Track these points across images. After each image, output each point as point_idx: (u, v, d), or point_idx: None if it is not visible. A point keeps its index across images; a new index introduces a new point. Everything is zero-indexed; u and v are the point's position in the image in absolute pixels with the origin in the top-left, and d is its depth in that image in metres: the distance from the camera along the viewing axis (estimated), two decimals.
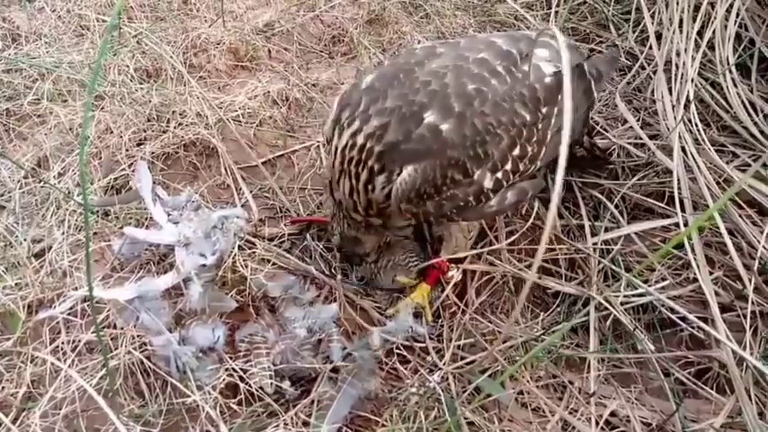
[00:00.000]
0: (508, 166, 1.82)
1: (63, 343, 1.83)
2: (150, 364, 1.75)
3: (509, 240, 2.16)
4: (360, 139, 1.73)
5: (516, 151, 1.82)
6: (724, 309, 1.98)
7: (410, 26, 3.19)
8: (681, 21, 2.76)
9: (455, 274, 2.09)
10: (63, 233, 2.04)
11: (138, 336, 1.78)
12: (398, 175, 1.72)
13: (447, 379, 1.82)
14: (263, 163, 2.43)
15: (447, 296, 2.06)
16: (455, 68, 1.80)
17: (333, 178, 1.85)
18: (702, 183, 2.20)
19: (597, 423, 1.79)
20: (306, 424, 1.71)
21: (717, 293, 2.01)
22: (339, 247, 2.11)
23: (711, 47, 2.71)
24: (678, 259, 2.13)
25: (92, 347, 1.82)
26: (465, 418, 1.73)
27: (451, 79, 1.77)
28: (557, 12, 3.24)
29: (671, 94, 2.57)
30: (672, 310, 1.97)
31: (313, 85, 2.81)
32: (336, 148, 1.78)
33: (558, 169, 1.51)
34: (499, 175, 1.81)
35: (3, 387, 1.76)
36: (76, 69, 2.60)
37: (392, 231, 2.00)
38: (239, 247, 1.90)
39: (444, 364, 1.84)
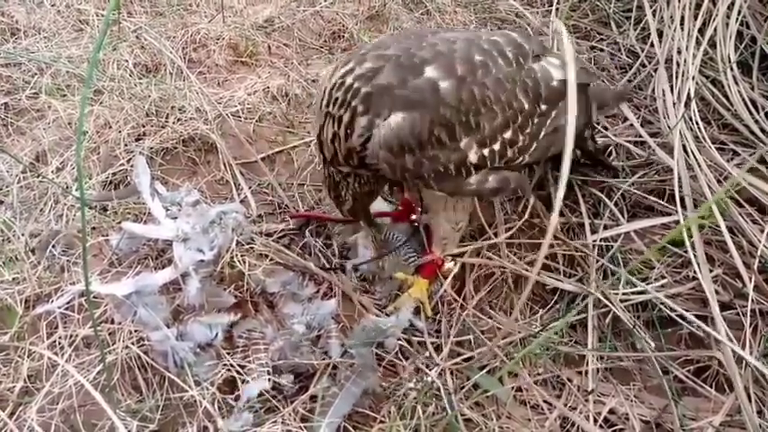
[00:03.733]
0: (496, 147, 1.79)
1: (60, 338, 1.82)
2: (148, 359, 1.74)
3: (507, 235, 2.15)
4: (349, 79, 1.68)
5: (507, 134, 1.80)
6: (724, 307, 1.97)
7: (410, 22, 3.18)
8: (682, 18, 2.76)
9: (452, 267, 2.08)
10: (61, 228, 2.04)
11: (135, 331, 1.77)
12: (384, 119, 1.66)
13: (445, 375, 1.81)
14: (262, 159, 2.42)
15: (446, 291, 2.05)
16: (467, 40, 1.80)
17: (318, 123, 1.79)
18: (703, 180, 2.20)
19: (596, 420, 1.79)
20: (304, 420, 1.70)
21: (716, 292, 2.00)
22: (353, 212, 2.02)
23: (712, 44, 2.70)
24: (678, 257, 2.13)
25: (89, 342, 1.81)
26: (463, 415, 1.73)
27: (460, 47, 1.76)
28: (557, 9, 3.24)
29: (672, 91, 2.56)
30: (671, 309, 1.96)
31: (313, 81, 2.80)
32: (325, 89, 1.73)
33: (563, 168, 1.52)
34: (485, 151, 1.78)
35: (0, 382, 1.76)
36: (75, 64, 2.60)
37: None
38: (237, 242, 1.89)
39: (442, 360, 1.84)
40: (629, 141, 2.53)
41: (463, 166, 1.76)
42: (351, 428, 1.71)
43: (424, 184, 1.79)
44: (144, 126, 2.41)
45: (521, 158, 1.87)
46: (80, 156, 1.19)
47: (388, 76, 1.67)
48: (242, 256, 1.88)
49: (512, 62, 1.80)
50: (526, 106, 1.82)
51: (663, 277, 2.07)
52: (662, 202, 2.26)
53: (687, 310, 1.95)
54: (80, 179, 1.02)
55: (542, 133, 1.89)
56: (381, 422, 1.69)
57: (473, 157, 1.76)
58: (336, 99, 1.70)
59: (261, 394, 1.70)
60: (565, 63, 2.00)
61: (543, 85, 1.84)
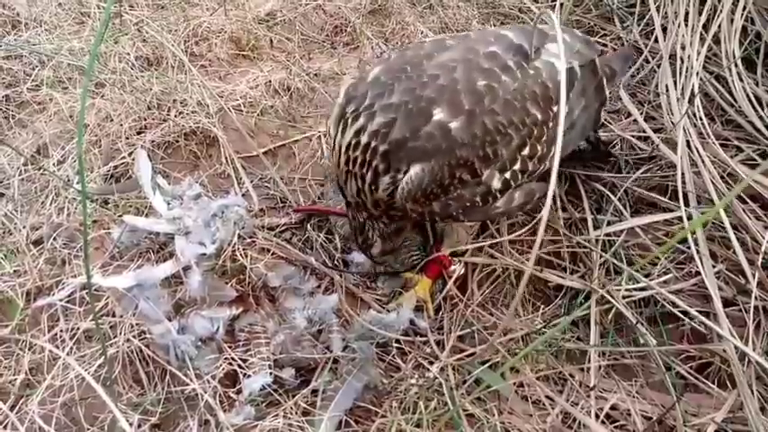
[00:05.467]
0: (517, 166, 1.79)
1: (61, 331, 1.82)
2: (149, 352, 1.75)
3: (512, 235, 2.14)
4: (364, 138, 1.68)
5: (526, 151, 1.79)
6: (726, 303, 1.97)
7: (413, 17, 3.16)
8: (686, 14, 2.74)
9: (457, 268, 2.07)
10: (62, 221, 2.03)
11: (136, 324, 1.77)
12: (404, 173, 1.68)
13: (447, 370, 1.81)
14: (263, 153, 2.41)
15: (449, 289, 2.05)
16: (465, 62, 1.76)
17: (339, 179, 1.82)
18: (706, 177, 2.19)
19: (597, 416, 1.78)
20: (305, 413, 1.70)
21: (719, 288, 2.00)
22: (383, 252, 2.01)
23: (717, 40, 2.69)
24: (681, 253, 2.12)
25: (90, 335, 1.81)
26: (464, 410, 1.72)
27: (461, 74, 1.73)
28: (561, 4, 3.22)
29: (675, 87, 2.55)
30: (674, 305, 1.96)
31: (315, 74, 2.79)
32: (340, 147, 1.74)
33: (554, 158, 1.51)
34: (507, 175, 1.78)
35: (1, 374, 1.75)
36: (77, 56, 2.59)
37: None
38: (239, 236, 1.88)
39: (444, 356, 1.83)
40: (632, 136, 2.52)
41: (489, 195, 1.77)
42: (352, 423, 1.71)
43: (455, 220, 1.82)
44: (145, 119, 2.40)
45: (542, 166, 1.86)
46: (81, 148, 1.19)
47: (401, 129, 1.67)
48: (244, 249, 1.87)
49: (516, 74, 1.77)
50: (539, 116, 1.79)
51: (666, 273, 2.06)
52: (665, 199, 2.25)
53: (690, 306, 1.94)
54: (81, 172, 1.01)
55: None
56: (383, 417, 1.69)
57: (497, 184, 1.77)
58: (356, 159, 1.71)
59: (262, 388, 1.71)
60: (564, 42, 1.97)
61: (551, 86, 1.80)
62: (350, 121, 1.72)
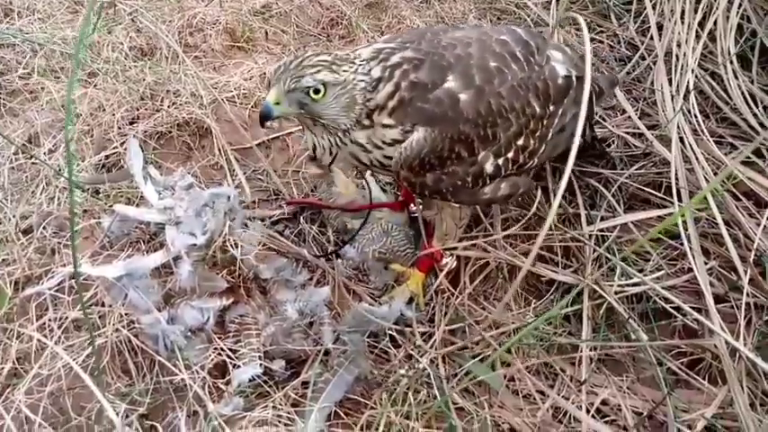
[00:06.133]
0: (510, 155, 1.81)
1: (50, 320, 1.80)
2: (138, 342, 1.73)
3: (505, 229, 2.13)
4: (395, 58, 1.69)
5: (520, 141, 1.81)
6: (718, 299, 1.97)
7: (409, 11, 3.15)
8: (682, 11, 2.74)
9: (449, 262, 2.07)
10: (52, 210, 2.02)
11: (125, 314, 1.75)
12: (407, 133, 1.68)
13: (437, 362, 1.80)
14: (257, 145, 2.40)
15: (440, 282, 2.04)
16: (479, 41, 1.79)
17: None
18: (700, 173, 2.18)
19: (588, 411, 1.78)
20: (295, 405, 1.69)
21: (711, 284, 2.00)
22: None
23: (712, 38, 2.69)
24: (673, 249, 2.12)
25: (79, 325, 1.80)
26: (455, 403, 1.72)
27: (475, 50, 1.76)
28: (558, 0, 3.21)
29: (670, 84, 2.55)
30: (666, 300, 1.95)
31: None
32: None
33: (567, 165, 1.51)
34: (500, 161, 1.79)
35: None
36: (69, 45, 2.56)
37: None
38: (230, 227, 1.87)
39: (434, 348, 1.82)
40: (627, 133, 2.52)
41: (480, 178, 1.78)
42: (342, 414, 1.70)
43: (442, 197, 1.82)
44: (138, 109, 2.39)
45: (531, 162, 1.88)
46: (68, 136, 1.18)
47: (426, 73, 1.68)
48: (235, 241, 1.86)
49: (523, 65, 1.80)
50: (538, 110, 1.82)
51: (658, 269, 2.06)
52: (659, 195, 2.25)
53: (682, 303, 1.93)
54: (69, 161, 1.00)
55: (550, 134, 1.89)
56: (372, 408, 1.68)
57: (489, 168, 1.78)
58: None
59: (252, 379, 1.69)
60: (565, 52, 2.00)
61: (551, 85, 1.84)
62: (382, 51, 1.72)
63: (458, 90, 1.68)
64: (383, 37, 1.87)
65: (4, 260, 1.90)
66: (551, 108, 1.86)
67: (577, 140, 1.51)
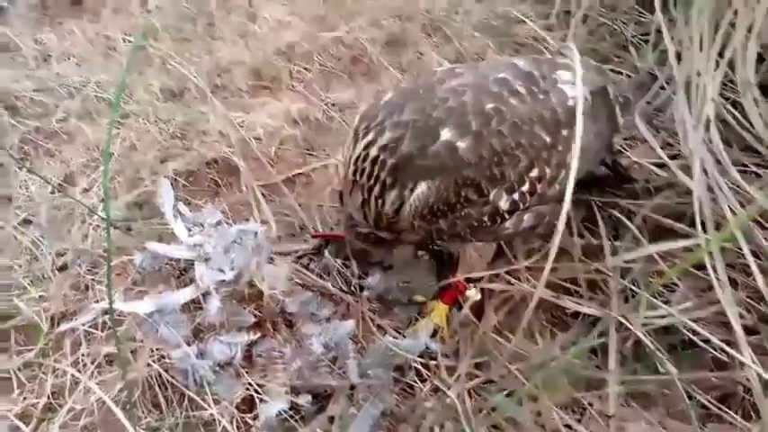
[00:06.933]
0: (525, 188, 1.81)
1: (83, 355, 1.86)
2: (168, 376, 1.77)
3: (528, 261, 2.14)
4: (373, 151, 1.72)
5: (534, 173, 1.81)
6: (748, 331, 1.93)
7: (429, 47, 3.22)
8: (701, 40, 2.75)
9: (473, 294, 2.07)
10: (87, 247, 2.09)
11: (157, 349, 1.80)
12: (411, 190, 1.71)
13: (463, 396, 1.80)
14: (282, 181, 2.46)
15: (465, 315, 2.05)
16: (474, 86, 1.80)
17: (345, 190, 1.85)
18: (724, 203, 2.17)
19: None
20: None
21: (741, 315, 1.96)
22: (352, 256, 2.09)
23: (732, 67, 2.69)
24: (700, 280, 2.10)
25: (111, 360, 1.85)
26: None
27: (470, 97, 1.77)
28: (575, 33, 3.25)
29: (691, 113, 2.55)
30: (694, 332, 1.93)
31: (333, 104, 2.85)
32: (350, 159, 1.78)
33: (568, 184, 1.53)
34: (516, 196, 1.79)
35: (24, 397, 1.79)
36: (103, 88, 2.68)
37: (400, 246, 1.98)
38: (257, 262, 1.91)
39: (460, 382, 1.83)
40: (649, 163, 2.51)
41: (497, 215, 1.79)
42: None
43: (462, 239, 1.84)
44: (168, 149, 2.47)
45: (552, 189, 1.87)
46: (107, 177, 1.24)
47: (408, 145, 1.71)
48: (262, 276, 1.90)
49: (525, 98, 1.81)
50: (548, 140, 1.82)
51: (686, 300, 2.04)
52: (683, 226, 2.23)
53: (711, 334, 1.91)
54: (106, 199, 1.05)
55: (569, 158, 1.89)
56: None
57: (504, 205, 1.78)
58: (364, 169, 1.74)
59: (279, 414, 1.71)
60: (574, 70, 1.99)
61: (561, 111, 1.84)
62: (360, 136, 1.77)
63: (454, 139, 1.70)
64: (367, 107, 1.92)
65: (41, 296, 1.97)
66: (564, 133, 1.85)
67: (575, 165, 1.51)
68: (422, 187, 1.70)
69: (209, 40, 3.06)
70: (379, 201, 1.75)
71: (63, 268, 2.05)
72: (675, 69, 2.82)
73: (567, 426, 1.81)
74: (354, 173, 1.76)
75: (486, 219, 1.78)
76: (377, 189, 1.74)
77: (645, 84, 2.36)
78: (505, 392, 1.79)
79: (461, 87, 1.80)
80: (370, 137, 1.74)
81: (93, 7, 3.20)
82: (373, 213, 1.80)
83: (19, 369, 1.86)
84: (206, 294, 1.85)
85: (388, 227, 1.82)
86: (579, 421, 1.84)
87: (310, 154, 2.61)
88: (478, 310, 2.10)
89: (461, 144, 1.70)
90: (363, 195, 1.77)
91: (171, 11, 3.14)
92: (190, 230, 2.05)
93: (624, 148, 2.63)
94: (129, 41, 2.95)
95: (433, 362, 1.90)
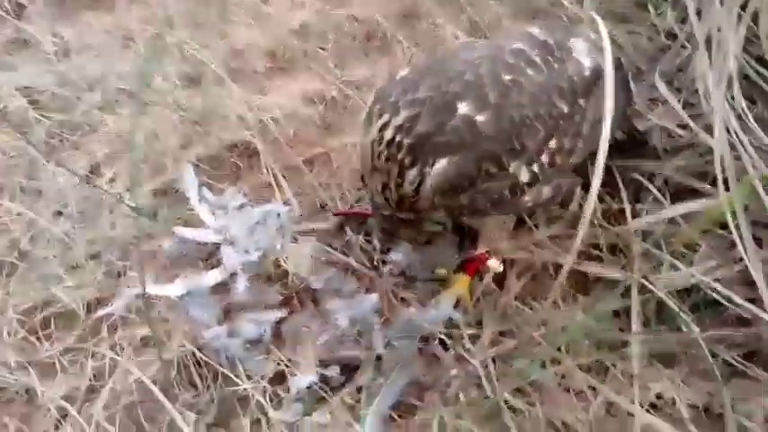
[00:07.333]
0: (544, 159, 1.80)
1: (120, 339, 1.94)
2: (202, 356, 1.84)
3: (550, 230, 2.15)
4: (388, 133, 1.71)
5: (552, 144, 1.80)
6: None
7: (444, 18, 3.19)
8: None
9: (495, 265, 2.09)
10: (116, 235, 2.16)
11: (189, 330, 1.87)
12: (431, 167, 1.71)
13: (486, 363, 1.84)
14: (302, 161, 2.50)
15: (487, 284, 2.08)
16: (490, 58, 1.79)
17: (364, 173, 1.86)
18: (747, 161, 2.14)
19: (642, 405, 1.78)
20: (351, 408, 1.77)
21: (766, 273, 1.95)
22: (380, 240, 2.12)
23: (756, 21, 2.62)
24: (723, 239, 2.08)
25: (147, 342, 1.92)
26: (506, 402, 1.75)
27: (486, 69, 1.75)
28: None
29: (712, 71, 2.50)
30: (717, 292, 1.93)
31: (349, 82, 2.86)
32: (366, 143, 1.78)
33: (598, 160, 1.53)
34: (535, 167, 1.79)
35: (68, 381, 1.89)
36: (124, 79, 2.73)
37: (426, 224, 2.00)
38: (281, 242, 1.96)
39: (484, 349, 1.86)
40: (670, 124, 2.48)
41: (517, 188, 1.78)
42: (396, 417, 1.76)
43: (483, 214, 1.84)
44: (189, 135, 2.52)
45: (570, 160, 1.87)
46: (134, 166, 1.29)
47: (426, 123, 1.69)
48: (286, 255, 1.95)
49: (541, 68, 1.79)
50: (566, 110, 1.81)
51: (708, 259, 2.03)
52: (706, 186, 2.21)
53: (734, 293, 1.91)
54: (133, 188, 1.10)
55: (585, 129, 1.88)
56: (425, 410, 1.73)
57: (524, 177, 1.77)
58: (380, 153, 1.73)
59: (309, 386, 1.77)
60: (588, 38, 1.97)
61: (577, 80, 1.83)
62: (375, 118, 1.76)
63: (473, 114, 1.69)
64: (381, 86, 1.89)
65: (77, 284, 2.05)
66: (581, 102, 1.85)
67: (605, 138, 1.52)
68: (441, 163, 1.70)
69: (222, 25, 3.08)
70: (399, 180, 1.74)
71: (95, 256, 2.12)
72: (695, 26, 2.76)
73: (592, 387, 1.83)
74: (372, 157, 1.76)
75: (506, 192, 1.77)
76: (395, 170, 1.73)
77: (662, 51, 2.32)
78: (529, 357, 1.82)
79: (477, 60, 1.79)
80: (384, 118, 1.73)
81: None
82: (395, 196, 1.79)
83: (61, 354, 1.95)
84: (233, 275, 1.91)
85: (410, 207, 1.82)
86: (603, 382, 1.86)
87: (328, 133, 2.63)
88: (500, 279, 2.12)
89: (480, 117, 1.69)
90: (383, 179, 1.77)
91: None
92: (214, 214, 2.10)
93: (646, 110, 2.59)
94: (146, 31, 2.99)
95: (456, 331, 1.93)
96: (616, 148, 2.35)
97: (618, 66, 2.01)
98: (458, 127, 1.69)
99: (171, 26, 3.06)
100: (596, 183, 1.48)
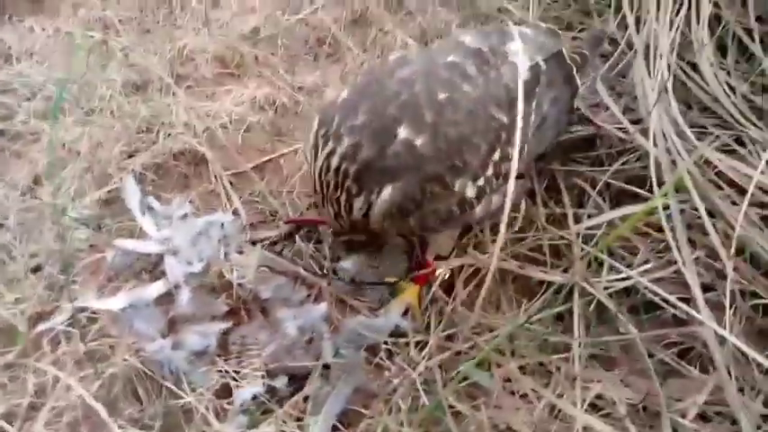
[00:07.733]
0: (489, 172, 1.83)
1: (63, 353, 1.89)
2: (146, 369, 1.82)
3: (494, 234, 2.19)
4: (334, 161, 1.72)
5: (496, 156, 1.83)
6: (706, 288, 2.00)
7: (393, 24, 3.21)
8: (658, 3, 2.77)
9: (443, 272, 2.13)
10: (59, 247, 2.11)
11: (132, 343, 1.84)
12: (377, 194, 1.72)
13: (432, 369, 1.86)
14: (251, 168, 2.48)
15: (434, 291, 2.11)
16: (425, 75, 1.80)
17: (317, 201, 1.88)
18: (682, 165, 2.22)
19: (582, 406, 1.83)
20: (298, 419, 1.77)
21: (699, 274, 2.03)
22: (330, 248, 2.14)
23: (690, 28, 2.72)
24: (660, 242, 2.16)
25: (91, 356, 1.89)
26: (452, 407, 1.78)
27: (421, 88, 1.76)
28: (539, 1, 3.26)
29: (650, 77, 2.58)
30: (654, 293, 2.00)
31: (299, 88, 2.85)
32: (314, 172, 1.79)
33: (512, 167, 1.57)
34: (481, 182, 1.81)
35: (8, 398, 1.84)
36: (65, 86, 2.66)
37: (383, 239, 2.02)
38: (225, 252, 1.95)
39: (430, 356, 1.89)
40: (611, 128, 2.55)
41: (465, 204, 1.81)
42: (343, 426, 1.77)
43: (435, 231, 1.88)
44: (135, 143, 2.48)
45: (516, 167, 1.89)
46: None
47: (367, 150, 1.70)
48: (231, 266, 1.94)
49: (476, 79, 1.81)
50: (505, 120, 1.82)
51: (646, 262, 2.10)
52: (644, 191, 2.28)
53: (670, 294, 1.98)
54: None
55: (529, 133, 1.91)
56: (371, 418, 1.75)
57: (471, 192, 1.79)
58: (329, 182, 1.75)
59: (254, 397, 1.77)
60: (525, 37, 2.00)
61: (513, 87, 1.84)
62: (320, 145, 1.77)
63: (411, 137, 1.70)
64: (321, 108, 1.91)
65: (17, 299, 2.00)
66: (522, 108, 1.85)
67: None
68: (387, 190, 1.72)
69: (170, 30, 3.04)
70: (348, 208, 1.77)
71: (36, 270, 2.07)
72: (633, 33, 2.86)
73: (535, 390, 1.88)
74: (321, 186, 1.78)
75: (455, 209, 1.80)
76: (343, 198, 1.75)
77: (599, 36, 2.39)
78: (473, 362, 1.85)
79: (412, 77, 1.79)
80: (329, 146, 1.74)
81: (52, 3, 3.16)
82: (347, 222, 1.82)
83: (1, 371, 1.90)
84: (177, 287, 1.89)
85: (364, 229, 1.85)
86: (547, 385, 1.91)
87: (278, 140, 2.62)
88: (449, 286, 2.16)
89: (419, 140, 1.70)
90: (334, 208, 1.79)
91: (131, 2, 3.11)
92: (159, 225, 2.07)
93: (587, 115, 2.66)
94: (91, 37, 2.92)
95: (403, 339, 1.95)
96: (561, 153, 2.43)
97: (561, 60, 2.05)
98: (398, 152, 1.70)
99: (116, 32, 3.01)
100: (510, 187, 1.55)
